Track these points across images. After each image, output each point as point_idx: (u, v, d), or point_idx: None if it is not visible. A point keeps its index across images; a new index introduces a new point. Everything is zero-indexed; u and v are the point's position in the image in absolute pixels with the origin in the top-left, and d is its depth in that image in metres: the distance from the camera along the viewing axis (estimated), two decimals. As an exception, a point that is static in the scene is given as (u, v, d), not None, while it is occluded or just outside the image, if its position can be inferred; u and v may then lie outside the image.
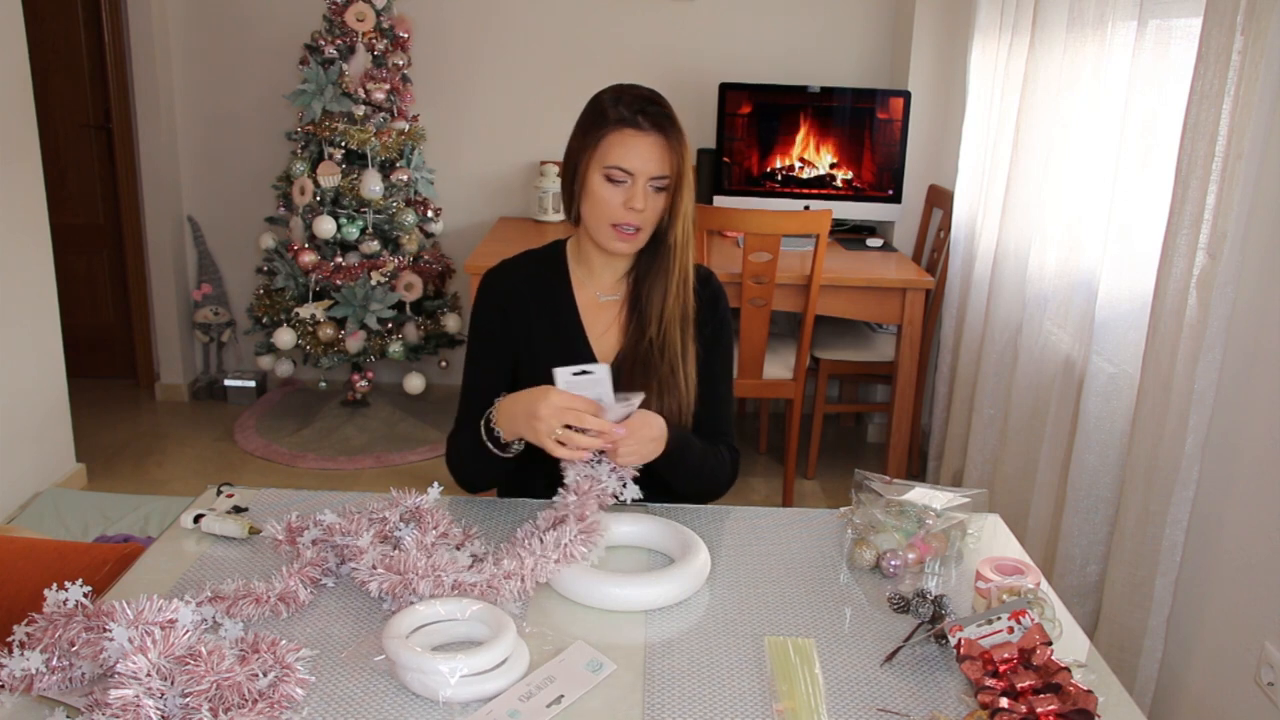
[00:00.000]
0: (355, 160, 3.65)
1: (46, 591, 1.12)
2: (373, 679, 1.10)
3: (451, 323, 3.89)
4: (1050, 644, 1.12)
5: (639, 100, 1.52)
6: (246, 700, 1.00)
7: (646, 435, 1.43)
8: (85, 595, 1.12)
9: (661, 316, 1.58)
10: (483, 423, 1.50)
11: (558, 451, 1.38)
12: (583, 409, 1.37)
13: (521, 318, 1.63)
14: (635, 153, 1.50)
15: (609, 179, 1.51)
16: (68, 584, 1.12)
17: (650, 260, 1.60)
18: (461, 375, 1.68)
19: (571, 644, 1.17)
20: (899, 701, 1.10)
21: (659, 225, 1.57)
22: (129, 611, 1.04)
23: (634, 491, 1.42)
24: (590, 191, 1.53)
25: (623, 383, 1.57)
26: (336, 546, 1.31)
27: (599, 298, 1.65)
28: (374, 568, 1.24)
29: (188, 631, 1.04)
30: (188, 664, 1.00)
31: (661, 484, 1.57)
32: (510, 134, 4.07)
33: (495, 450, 1.49)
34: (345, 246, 3.66)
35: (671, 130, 1.51)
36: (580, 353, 1.62)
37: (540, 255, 1.69)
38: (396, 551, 1.27)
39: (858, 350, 3.51)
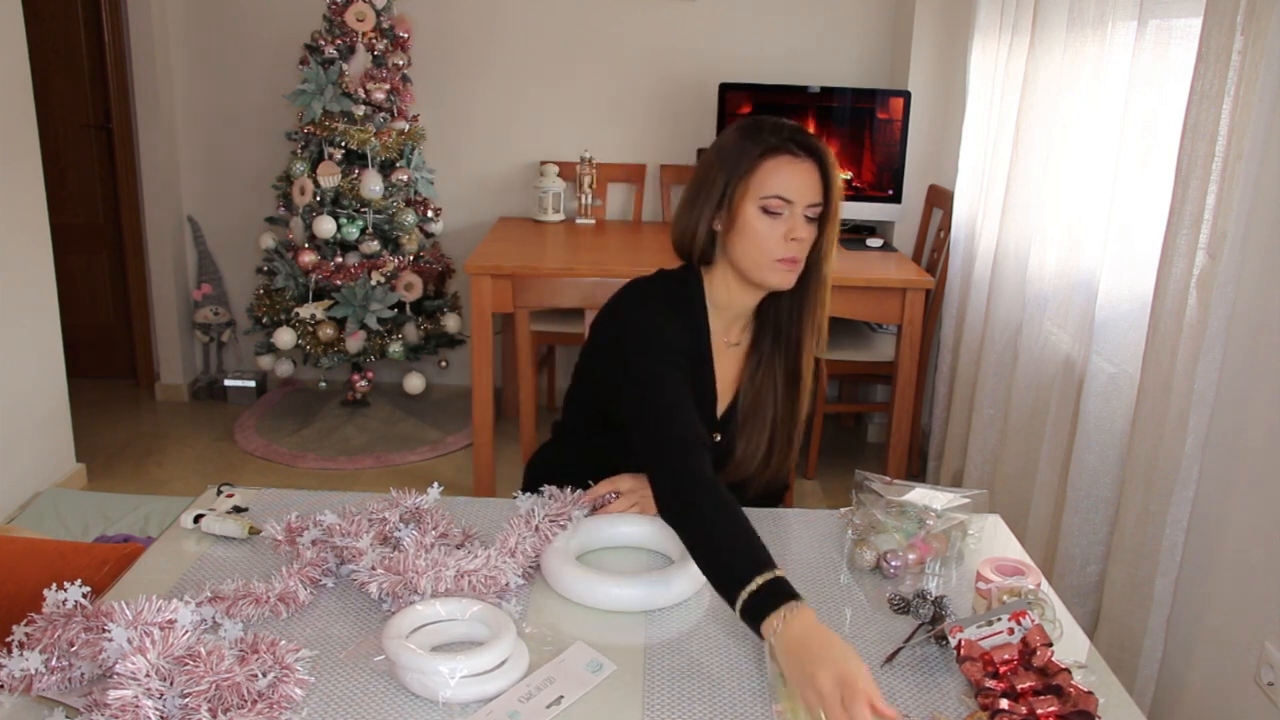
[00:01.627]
0: (355, 160, 3.65)
1: (46, 592, 1.12)
2: (372, 679, 1.10)
3: (451, 323, 3.89)
4: (1050, 645, 1.12)
5: (785, 128, 1.44)
6: (246, 701, 1.00)
7: None
8: (85, 595, 1.12)
9: (806, 358, 1.54)
10: (747, 611, 1.14)
11: None
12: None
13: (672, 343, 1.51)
14: (794, 180, 1.42)
15: (766, 210, 1.43)
16: (67, 584, 1.12)
17: (793, 298, 1.52)
18: (648, 397, 1.40)
19: (571, 644, 1.17)
20: (899, 702, 1.10)
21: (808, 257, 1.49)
22: (128, 612, 1.04)
23: None
24: (744, 225, 1.44)
25: (740, 430, 1.55)
26: (336, 547, 1.31)
27: (727, 344, 1.58)
28: (373, 569, 1.24)
29: (187, 632, 1.04)
30: (187, 664, 1.00)
31: None
32: (510, 134, 4.07)
33: (746, 623, 1.16)
34: (345, 246, 3.66)
35: (824, 155, 1.44)
36: (707, 398, 1.56)
37: (680, 281, 1.56)
38: (396, 552, 1.27)
39: (858, 350, 3.51)
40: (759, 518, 1.53)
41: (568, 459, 1.69)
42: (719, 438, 1.57)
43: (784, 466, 1.60)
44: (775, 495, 1.71)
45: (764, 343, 1.57)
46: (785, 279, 1.46)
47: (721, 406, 1.59)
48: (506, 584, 1.26)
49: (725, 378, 1.58)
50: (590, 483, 1.49)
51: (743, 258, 1.46)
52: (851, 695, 0.98)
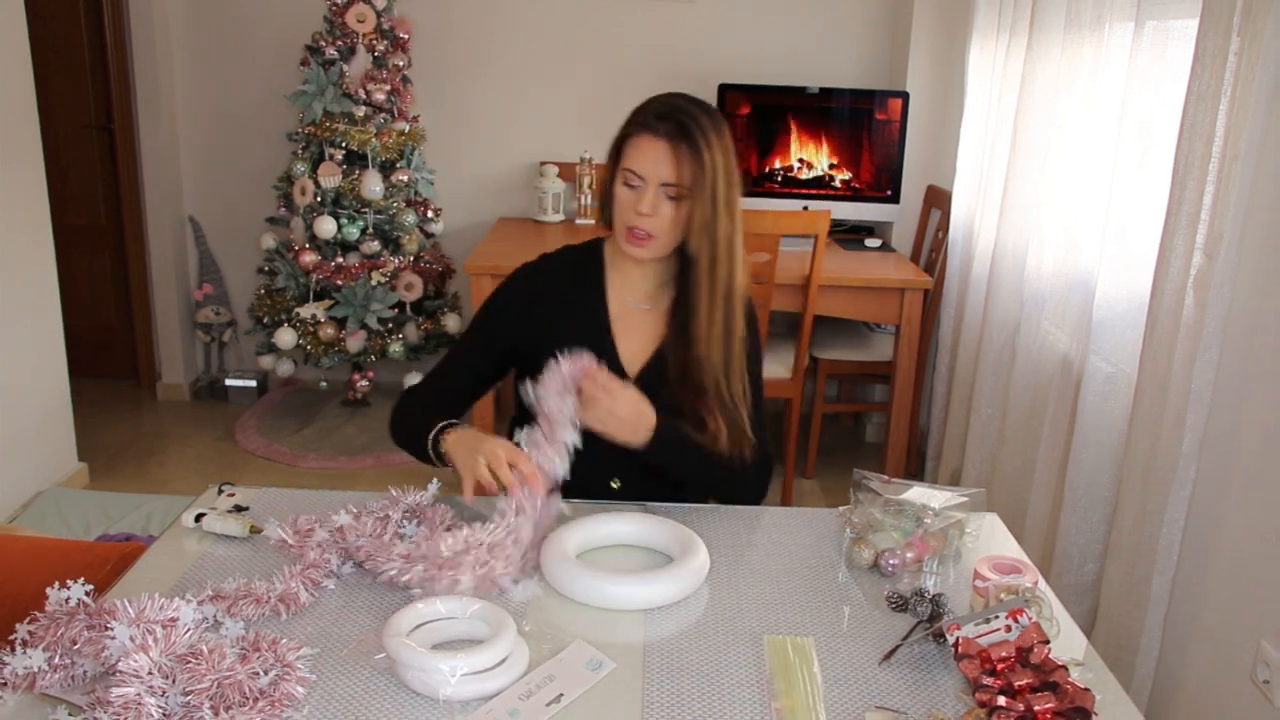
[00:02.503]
0: (356, 161, 3.65)
1: (49, 590, 1.12)
2: (373, 677, 1.11)
3: (451, 323, 3.89)
4: (1048, 642, 1.13)
5: (665, 106, 1.52)
6: (247, 699, 1.00)
7: (616, 410, 1.45)
8: (87, 594, 1.12)
9: (696, 334, 1.55)
10: (430, 437, 1.52)
11: (474, 480, 1.40)
12: (512, 461, 1.38)
13: (543, 319, 1.62)
14: (646, 157, 1.50)
15: (626, 182, 1.53)
16: (69, 583, 1.12)
17: (684, 275, 1.58)
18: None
19: (571, 643, 1.17)
20: (897, 700, 1.10)
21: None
22: (130, 610, 1.04)
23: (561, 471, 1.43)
24: (614, 193, 1.55)
25: (651, 397, 1.55)
26: (342, 547, 1.31)
27: (629, 305, 1.64)
28: (406, 557, 1.25)
29: (189, 630, 1.04)
30: (189, 662, 1.00)
31: (678, 485, 1.59)
32: (510, 134, 4.07)
33: (433, 458, 1.54)
34: (346, 247, 3.67)
35: (684, 140, 1.48)
36: (606, 348, 1.61)
37: (578, 254, 1.69)
38: (421, 541, 1.29)
39: (856, 350, 3.51)
40: (757, 517, 1.54)
41: None
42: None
43: (742, 440, 1.60)
44: (763, 472, 1.70)
45: (673, 316, 1.60)
46: (633, 250, 1.56)
47: (636, 362, 1.62)
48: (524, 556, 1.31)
49: (631, 333, 1.63)
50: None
51: (614, 222, 1.58)
52: (511, 453, 1.38)
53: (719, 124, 1.52)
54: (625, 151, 1.53)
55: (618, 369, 1.60)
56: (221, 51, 4.03)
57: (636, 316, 1.63)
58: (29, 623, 1.10)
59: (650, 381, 1.59)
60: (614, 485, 1.63)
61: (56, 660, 1.06)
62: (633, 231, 1.53)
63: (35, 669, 1.04)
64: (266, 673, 1.04)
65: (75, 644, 1.06)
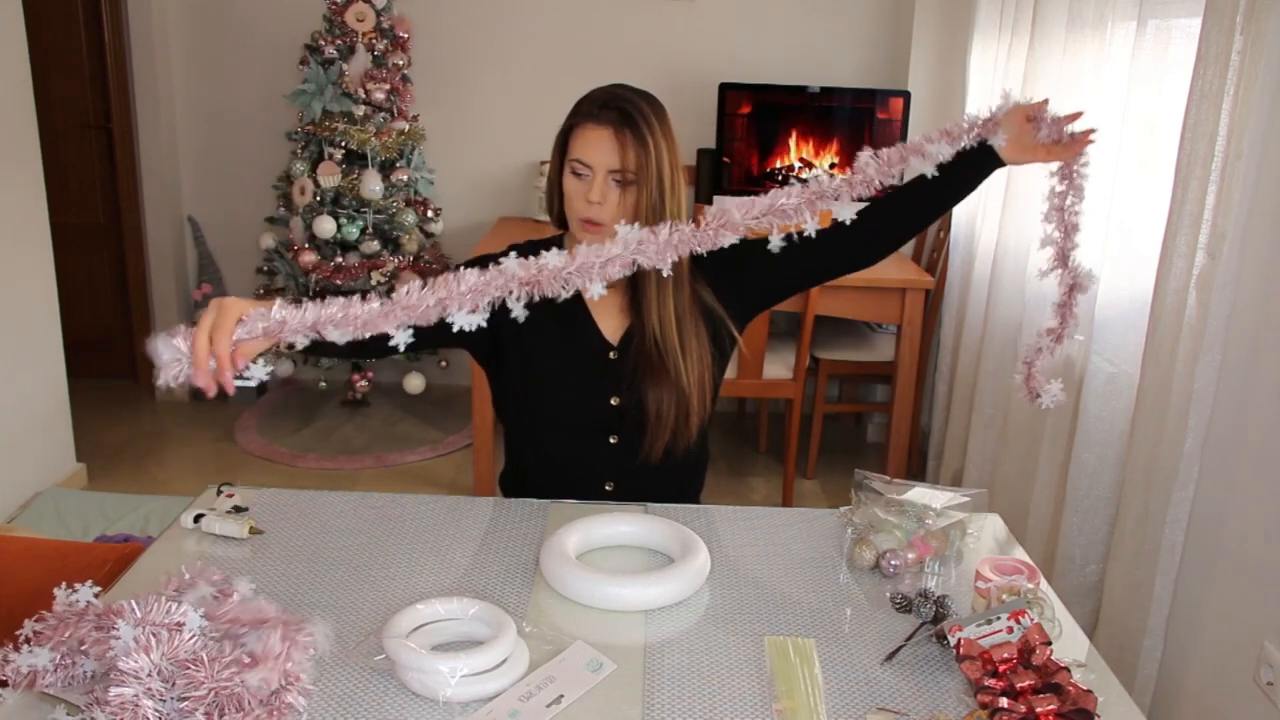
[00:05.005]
0: (355, 160, 3.65)
1: (57, 591, 1.12)
2: (373, 679, 1.10)
3: (451, 323, 3.89)
4: (1050, 644, 1.12)
5: (607, 95, 1.53)
6: (245, 709, 0.99)
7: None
8: (95, 595, 1.12)
9: (655, 316, 1.57)
10: None
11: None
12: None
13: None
14: (592, 145, 1.51)
15: (574, 173, 1.54)
16: (78, 585, 1.12)
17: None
18: None
19: (571, 644, 1.17)
20: (899, 701, 1.10)
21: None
22: (137, 610, 1.04)
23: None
24: (563, 186, 1.56)
25: (626, 372, 1.58)
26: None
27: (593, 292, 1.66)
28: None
29: (194, 636, 1.03)
30: (189, 669, 1.00)
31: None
32: (510, 134, 4.07)
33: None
34: (345, 246, 3.67)
35: (630, 126, 1.50)
36: (589, 336, 1.62)
37: (546, 244, 1.68)
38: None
39: (857, 350, 3.51)
40: (757, 518, 1.54)
41: (513, 463, 1.74)
42: (614, 356, 1.61)
43: (691, 422, 1.60)
44: (694, 468, 1.71)
45: (633, 295, 1.61)
46: (589, 239, 1.53)
47: (615, 336, 1.62)
48: None
49: (603, 312, 1.64)
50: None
51: (566, 216, 1.59)
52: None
53: (660, 111, 1.54)
54: (571, 143, 1.54)
55: (602, 341, 1.62)
56: (220, 50, 4.03)
57: (604, 298, 1.64)
58: (35, 620, 1.09)
59: (630, 351, 1.60)
60: (608, 488, 1.63)
61: (58, 659, 1.05)
62: (587, 222, 1.54)
63: (39, 668, 1.04)
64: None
65: (83, 644, 1.05)
